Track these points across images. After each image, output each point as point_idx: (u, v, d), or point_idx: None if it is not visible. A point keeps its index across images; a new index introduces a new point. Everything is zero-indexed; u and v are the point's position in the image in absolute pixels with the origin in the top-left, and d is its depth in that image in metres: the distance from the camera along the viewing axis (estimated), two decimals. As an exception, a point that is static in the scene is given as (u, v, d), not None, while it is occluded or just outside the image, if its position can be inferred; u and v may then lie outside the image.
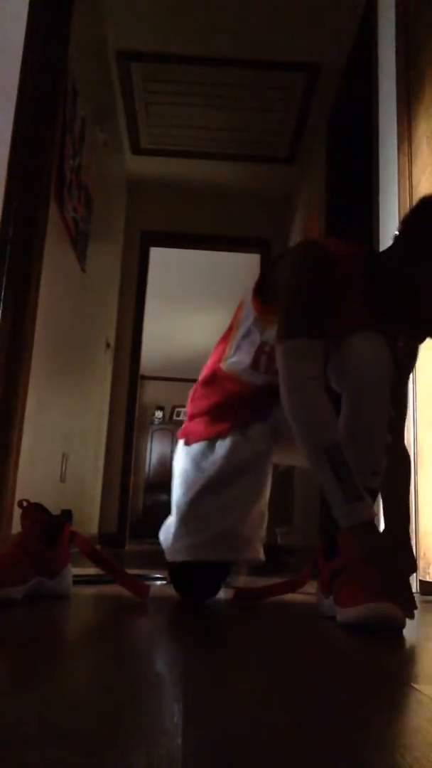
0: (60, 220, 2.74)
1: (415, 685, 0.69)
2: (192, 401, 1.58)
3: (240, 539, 1.41)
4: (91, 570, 1.61)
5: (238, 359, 1.45)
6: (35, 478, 2.55)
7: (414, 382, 2.04)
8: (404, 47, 2.32)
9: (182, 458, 1.52)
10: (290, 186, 4.95)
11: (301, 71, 3.79)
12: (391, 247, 1.35)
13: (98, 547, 1.54)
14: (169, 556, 1.45)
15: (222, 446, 1.46)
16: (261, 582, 1.73)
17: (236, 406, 1.46)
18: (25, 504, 1.30)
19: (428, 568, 1.84)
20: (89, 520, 4.06)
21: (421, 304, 1.28)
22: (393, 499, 1.41)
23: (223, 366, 1.49)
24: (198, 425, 1.52)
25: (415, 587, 1.89)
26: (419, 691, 0.66)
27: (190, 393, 1.59)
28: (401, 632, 1.04)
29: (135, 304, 5.04)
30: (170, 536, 1.45)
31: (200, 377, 1.57)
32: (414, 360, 1.50)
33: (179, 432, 1.60)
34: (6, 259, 2.12)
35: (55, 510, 1.36)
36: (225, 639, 1.04)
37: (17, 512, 1.35)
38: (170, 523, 1.47)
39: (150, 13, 3.45)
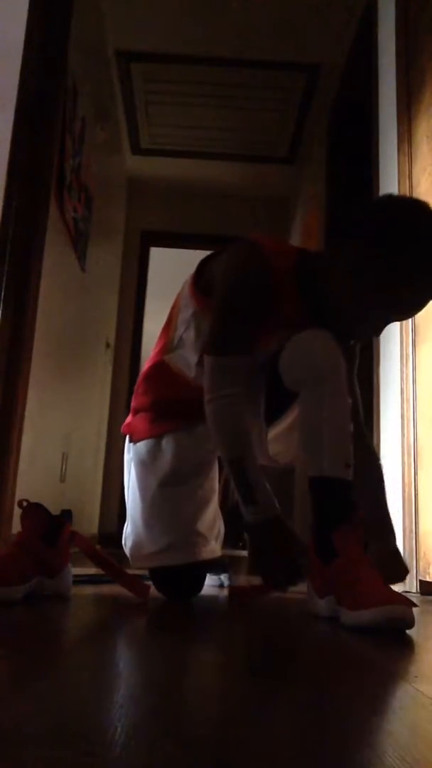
0: (60, 220, 2.74)
1: (415, 685, 0.69)
2: (135, 396, 1.55)
3: (199, 540, 1.40)
4: (91, 570, 1.61)
5: (183, 354, 1.44)
6: (35, 478, 2.55)
7: (414, 382, 2.04)
8: (404, 47, 2.32)
9: (130, 458, 1.51)
10: (290, 186, 4.96)
11: (301, 71, 3.79)
12: (335, 250, 1.33)
13: (98, 547, 1.54)
14: (135, 564, 1.45)
15: (169, 445, 1.43)
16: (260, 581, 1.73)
17: (182, 404, 1.42)
18: (25, 504, 1.30)
19: (428, 568, 1.84)
20: (89, 520, 4.06)
21: (367, 317, 1.29)
22: (372, 510, 1.40)
23: (168, 359, 1.46)
24: (142, 422, 1.49)
25: (415, 587, 1.89)
26: (419, 691, 0.66)
27: (136, 387, 1.56)
28: (405, 632, 1.04)
29: (135, 304, 5.04)
30: (133, 544, 1.44)
31: (143, 370, 1.53)
32: (356, 359, 1.50)
33: (123, 426, 1.57)
34: (6, 259, 2.12)
35: (55, 510, 1.36)
36: (224, 639, 1.04)
37: (17, 512, 1.34)
38: (130, 531, 1.46)
39: (150, 13, 3.45)
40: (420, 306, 1.28)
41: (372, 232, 1.25)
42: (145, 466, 1.46)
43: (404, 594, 1.35)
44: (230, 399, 1.28)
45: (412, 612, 1.03)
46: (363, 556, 1.14)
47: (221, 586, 1.76)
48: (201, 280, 1.42)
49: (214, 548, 1.45)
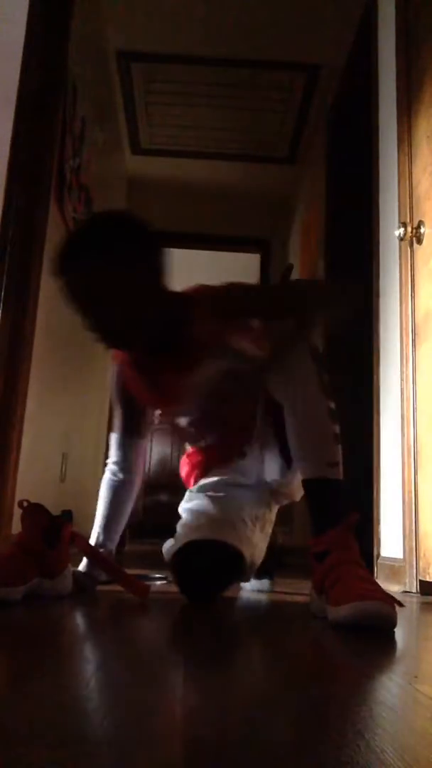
0: (60, 220, 2.73)
1: (415, 685, 0.69)
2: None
3: (230, 526, 1.40)
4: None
5: None
6: (35, 478, 2.54)
7: (414, 382, 2.04)
8: (404, 47, 2.32)
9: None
10: (290, 186, 4.95)
11: (301, 71, 3.79)
12: None
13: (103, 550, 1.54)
14: (168, 556, 1.43)
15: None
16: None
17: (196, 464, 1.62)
18: (25, 504, 1.30)
19: (428, 568, 1.84)
20: (89, 520, 4.05)
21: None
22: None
23: None
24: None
25: (415, 587, 1.89)
26: (419, 691, 0.66)
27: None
28: (392, 630, 1.02)
29: (135, 304, 5.03)
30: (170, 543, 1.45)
31: None
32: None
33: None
34: (6, 259, 2.12)
35: (55, 510, 1.36)
36: (223, 639, 1.04)
37: (17, 512, 1.35)
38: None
39: (150, 13, 3.45)
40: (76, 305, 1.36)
41: None
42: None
43: (401, 594, 1.35)
44: None
45: (390, 609, 1.02)
46: (350, 556, 1.14)
47: (260, 591, 1.68)
48: None
49: (242, 538, 1.40)
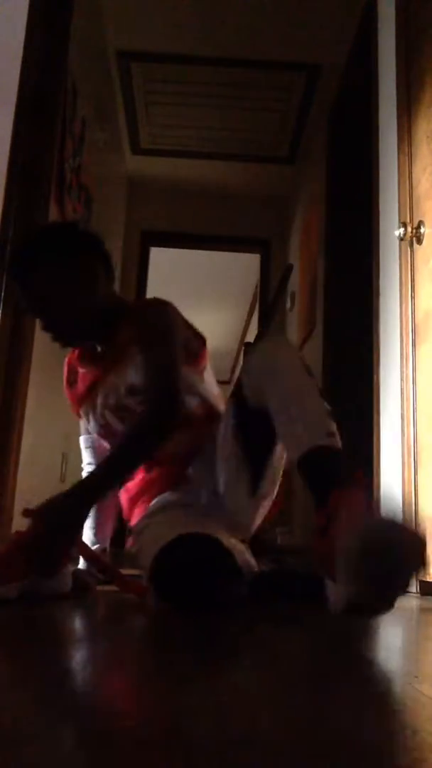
0: (60, 220, 2.73)
1: (415, 685, 0.69)
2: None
3: (202, 521, 1.31)
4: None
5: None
6: (35, 478, 2.54)
7: (414, 382, 2.04)
8: (404, 47, 2.32)
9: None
10: (290, 186, 4.96)
11: (301, 71, 3.79)
12: None
13: (96, 547, 1.55)
14: (148, 567, 1.28)
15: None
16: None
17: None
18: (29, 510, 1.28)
19: (428, 568, 1.84)
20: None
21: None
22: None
23: None
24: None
25: (414, 587, 1.89)
26: (419, 691, 0.66)
27: None
28: (415, 571, 0.94)
29: (135, 304, 5.03)
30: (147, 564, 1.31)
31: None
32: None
33: None
34: (6, 259, 2.12)
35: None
36: (222, 638, 1.04)
37: (17, 512, 1.34)
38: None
39: (150, 13, 3.45)
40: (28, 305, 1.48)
41: None
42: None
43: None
44: None
45: (408, 528, 0.93)
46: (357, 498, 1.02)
47: None
48: None
49: (217, 531, 1.28)
